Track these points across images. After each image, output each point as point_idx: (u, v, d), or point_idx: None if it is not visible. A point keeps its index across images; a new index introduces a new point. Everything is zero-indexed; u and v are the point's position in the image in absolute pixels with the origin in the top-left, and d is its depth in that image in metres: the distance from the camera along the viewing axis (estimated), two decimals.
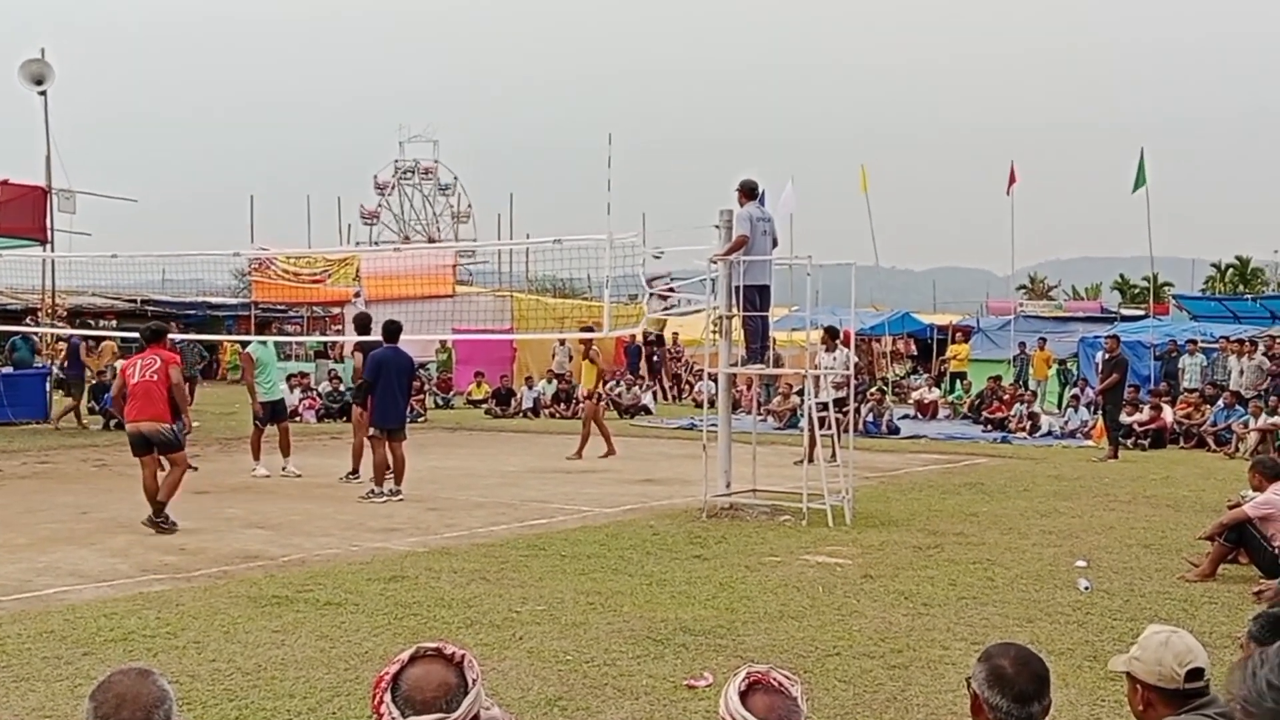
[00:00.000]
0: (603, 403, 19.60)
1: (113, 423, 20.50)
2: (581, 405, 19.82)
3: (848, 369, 16.24)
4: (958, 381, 30.30)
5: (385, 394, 13.22)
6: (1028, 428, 22.90)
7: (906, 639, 6.91)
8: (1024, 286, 64.31)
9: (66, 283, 27.32)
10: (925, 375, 32.64)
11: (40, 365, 24.66)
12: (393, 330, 13.54)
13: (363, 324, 14.57)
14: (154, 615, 7.23)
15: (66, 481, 14.50)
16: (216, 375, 37.72)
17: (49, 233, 22.99)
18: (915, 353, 37.49)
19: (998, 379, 26.73)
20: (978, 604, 7.91)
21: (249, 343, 16.56)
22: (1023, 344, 29.74)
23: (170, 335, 16.87)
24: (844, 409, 14.75)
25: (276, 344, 17.20)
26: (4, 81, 24.19)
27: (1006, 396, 25.27)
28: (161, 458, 11.02)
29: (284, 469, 15.03)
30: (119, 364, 16.38)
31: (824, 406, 13.65)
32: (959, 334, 33.96)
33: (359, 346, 14.96)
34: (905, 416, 25.84)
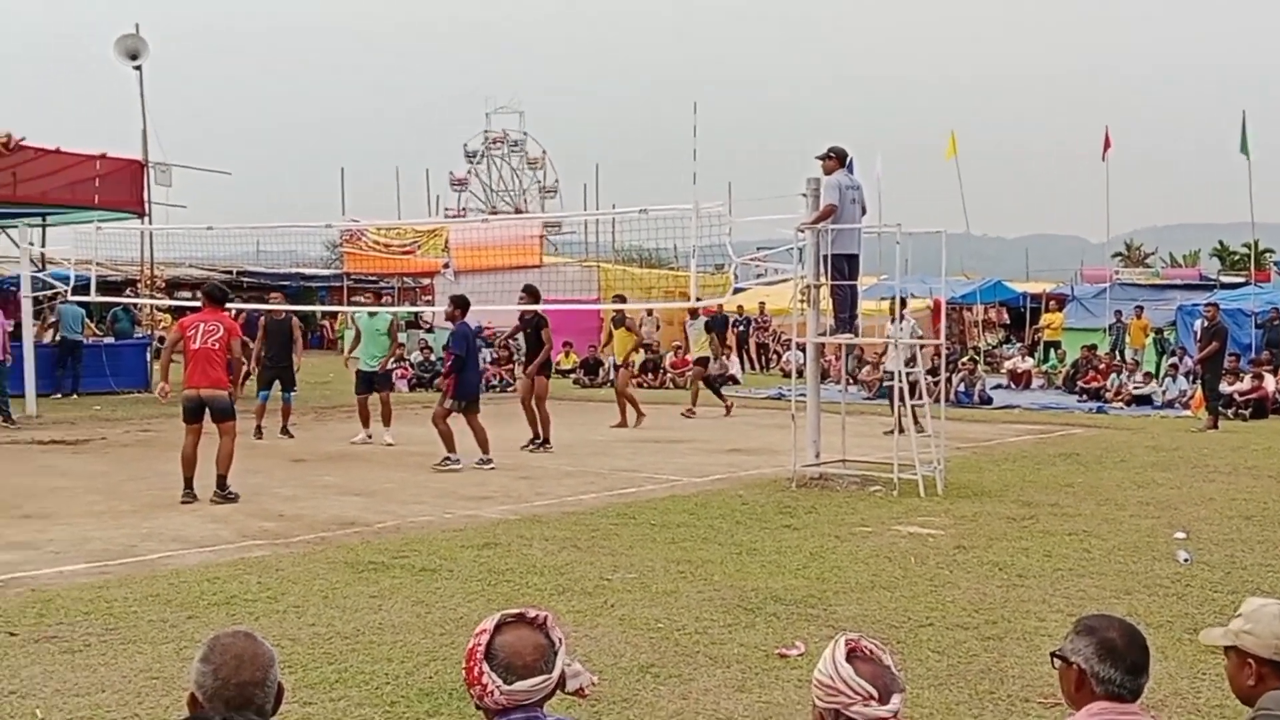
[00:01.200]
0: (633, 369, 19.58)
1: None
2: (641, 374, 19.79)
3: (913, 339, 16.16)
4: (1052, 351, 29.81)
5: (471, 368, 13.41)
6: (1128, 397, 22.46)
7: (1001, 610, 6.84)
8: (1119, 254, 62.89)
9: (164, 254, 27.96)
10: (1018, 344, 32.16)
11: (140, 335, 25.27)
12: (465, 303, 13.70)
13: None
14: (255, 580, 7.40)
15: (168, 449, 14.77)
16: (323, 344, 38.46)
17: (146, 205, 23.51)
18: (1008, 321, 36.94)
19: (1093, 348, 26.25)
20: (1074, 576, 7.80)
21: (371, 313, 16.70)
22: (1118, 312, 29.16)
23: (277, 305, 17.18)
24: (935, 378, 14.59)
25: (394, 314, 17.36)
26: (102, 58, 24.71)
27: (1102, 366, 24.82)
28: (217, 426, 10.89)
29: (383, 438, 15.25)
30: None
31: (892, 376, 13.92)
32: (1053, 302, 33.39)
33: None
34: (998, 386, 25.51)
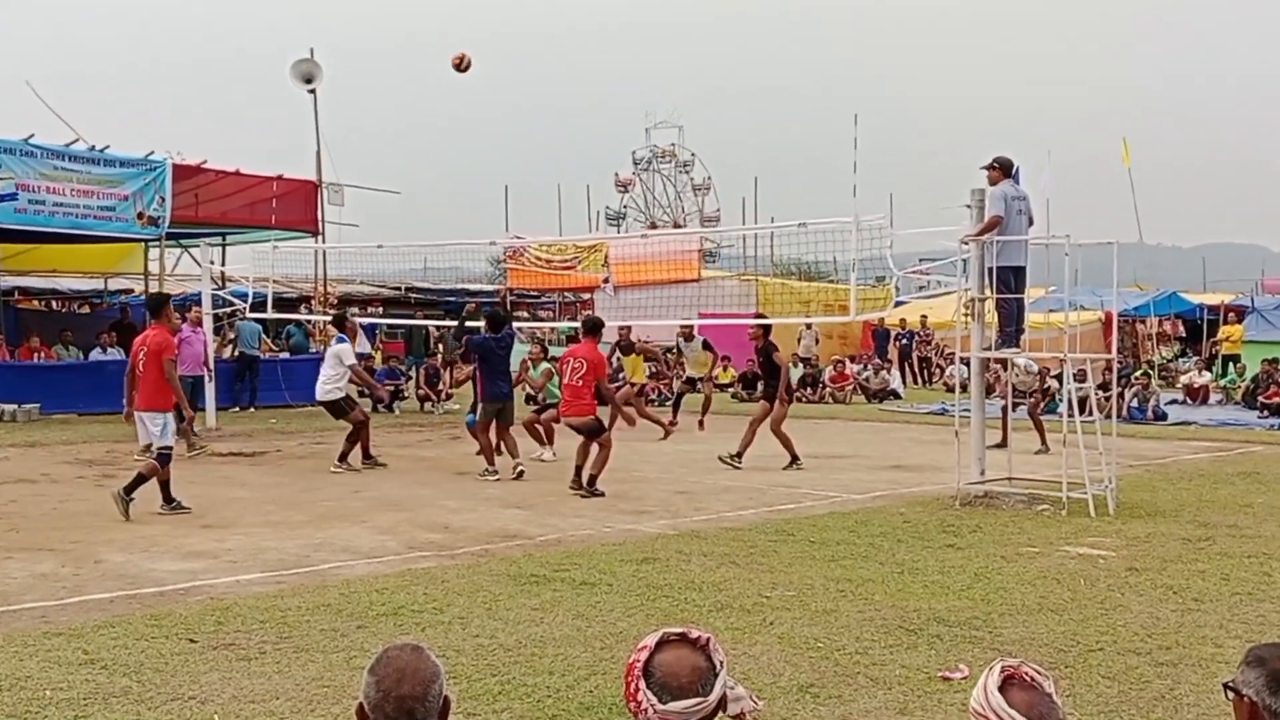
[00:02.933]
0: (632, 388, 19.12)
1: (381, 406, 21.58)
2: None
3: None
4: (1230, 365, 28.61)
5: (492, 377, 13.91)
6: None
7: (1175, 635, 6.59)
8: None
9: (336, 271, 28.89)
10: (1195, 358, 30.96)
11: (314, 350, 26.16)
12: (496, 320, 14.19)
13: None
14: (421, 591, 7.58)
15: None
16: None
17: (320, 224, 24.36)
18: (1183, 334, 35.59)
19: (1274, 362, 25.10)
20: (1253, 600, 7.47)
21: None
22: None
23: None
24: (1106, 394, 14.17)
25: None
26: (278, 82, 25.69)
27: None
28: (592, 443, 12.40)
29: (544, 455, 15.46)
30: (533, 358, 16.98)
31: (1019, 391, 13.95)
32: (1231, 314, 32.05)
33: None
34: (1173, 402, 24.64)
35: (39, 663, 5.92)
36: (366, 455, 14.59)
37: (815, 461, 15.20)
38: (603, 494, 12.06)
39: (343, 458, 14.33)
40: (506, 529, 10.14)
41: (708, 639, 2.79)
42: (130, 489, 10.71)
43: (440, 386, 24.64)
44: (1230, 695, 2.96)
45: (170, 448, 11.18)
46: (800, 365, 28.21)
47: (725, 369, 29.87)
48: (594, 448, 12.37)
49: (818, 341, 31.29)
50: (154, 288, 23.61)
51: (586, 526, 10.29)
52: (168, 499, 10.96)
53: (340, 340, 14.72)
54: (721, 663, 2.77)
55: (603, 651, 6.18)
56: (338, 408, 14.63)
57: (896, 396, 27.44)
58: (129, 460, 14.94)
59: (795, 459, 14.64)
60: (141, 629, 6.59)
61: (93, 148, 20.36)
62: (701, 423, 19.42)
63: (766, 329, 15.18)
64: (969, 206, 12.21)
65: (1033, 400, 16.85)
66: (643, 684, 2.70)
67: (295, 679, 5.72)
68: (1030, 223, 12.09)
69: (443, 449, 16.06)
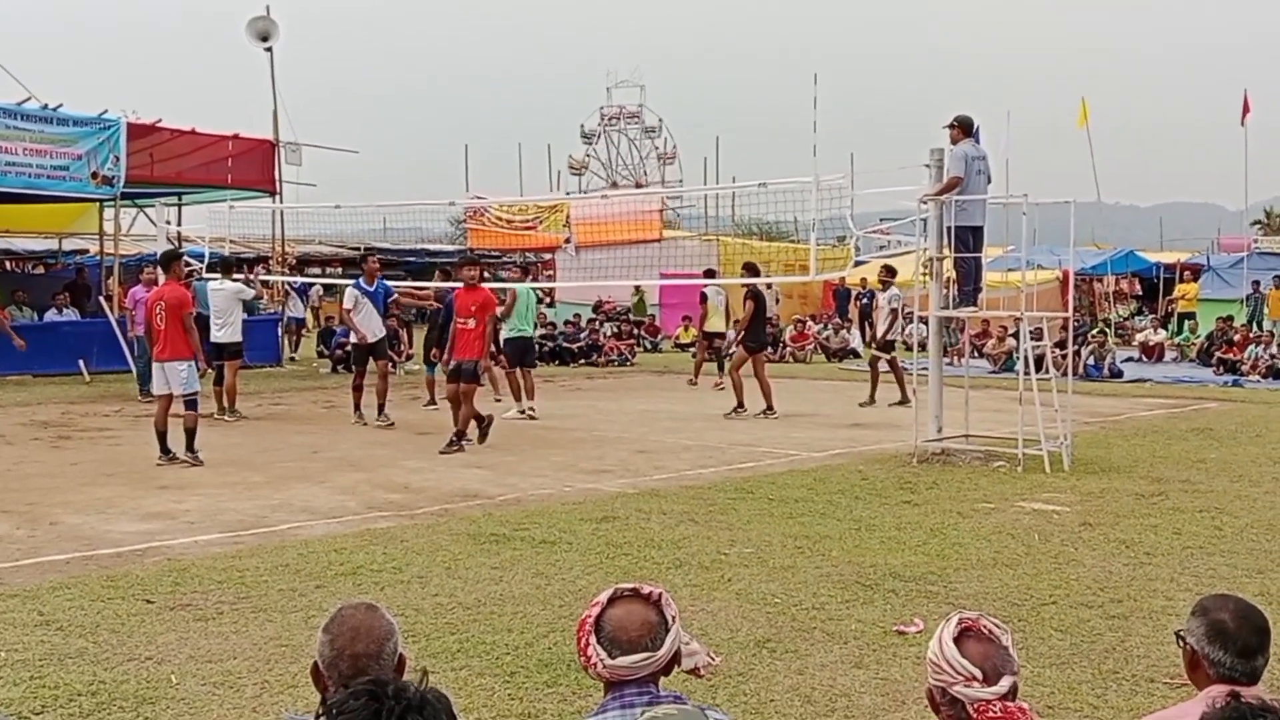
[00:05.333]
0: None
1: (340, 367, 21.50)
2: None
3: (894, 306, 17.28)
4: (1185, 323, 28.97)
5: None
6: (1265, 370, 21.72)
7: (1127, 589, 6.69)
8: (1259, 222, 60.58)
9: (294, 232, 28.61)
10: (1151, 316, 31.28)
11: (271, 312, 25.97)
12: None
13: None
14: (380, 550, 7.58)
15: (298, 422, 15.28)
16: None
17: (277, 184, 24.12)
18: (1140, 293, 35.97)
19: (1229, 319, 25.42)
20: (1204, 554, 7.59)
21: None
22: (1256, 282, 28.16)
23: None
24: (1062, 351, 14.31)
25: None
26: (235, 40, 25.31)
27: (1238, 338, 24.02)
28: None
29: (524, 410, 15.54)
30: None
31: (887, 347, 16.77)
32: (1187, 272, 32.43)
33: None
34: (1129, 359, 24.87)
35: None
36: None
37: (774, 421, 15.26)
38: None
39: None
40: (466, 489, 10.14)
41: (659, 594, 2.80)
42: (190, 446, 11.42)
43: (400, 347, 24.54)
44: (1180, 644, 3.04)
45: (197, 392, 11.81)
46: (903, 326, 28.23)
47: (687, 329, 29.91)
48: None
49: (778, 301, 31.33)
50: (109, 249, 23.37)
51: (546, 486, 10.30)
52: (190, 446, 11.46)
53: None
54: (673, 618, 2.79)
55: (561, 609, 6.20)
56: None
57: (856, 355, 27.55)
58: (84, 422, 14.83)
59: (769, 407, 15.43)
60: (98, 590, 6.56)
61: (45, 106, 20.04)
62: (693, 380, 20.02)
63: (755, 275, 16.42)
64: (928, 166, 12.22)
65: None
66: (593, 639, 2.72)
67: (253, 639, 5.72)
68: (989, 181, 12.14)
69: (404, 410, 16.00)
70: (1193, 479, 10.49)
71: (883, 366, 17.59)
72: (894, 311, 17.46)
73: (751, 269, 17.25)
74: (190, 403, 11.63)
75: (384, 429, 14.25)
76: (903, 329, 17.56)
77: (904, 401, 16.31)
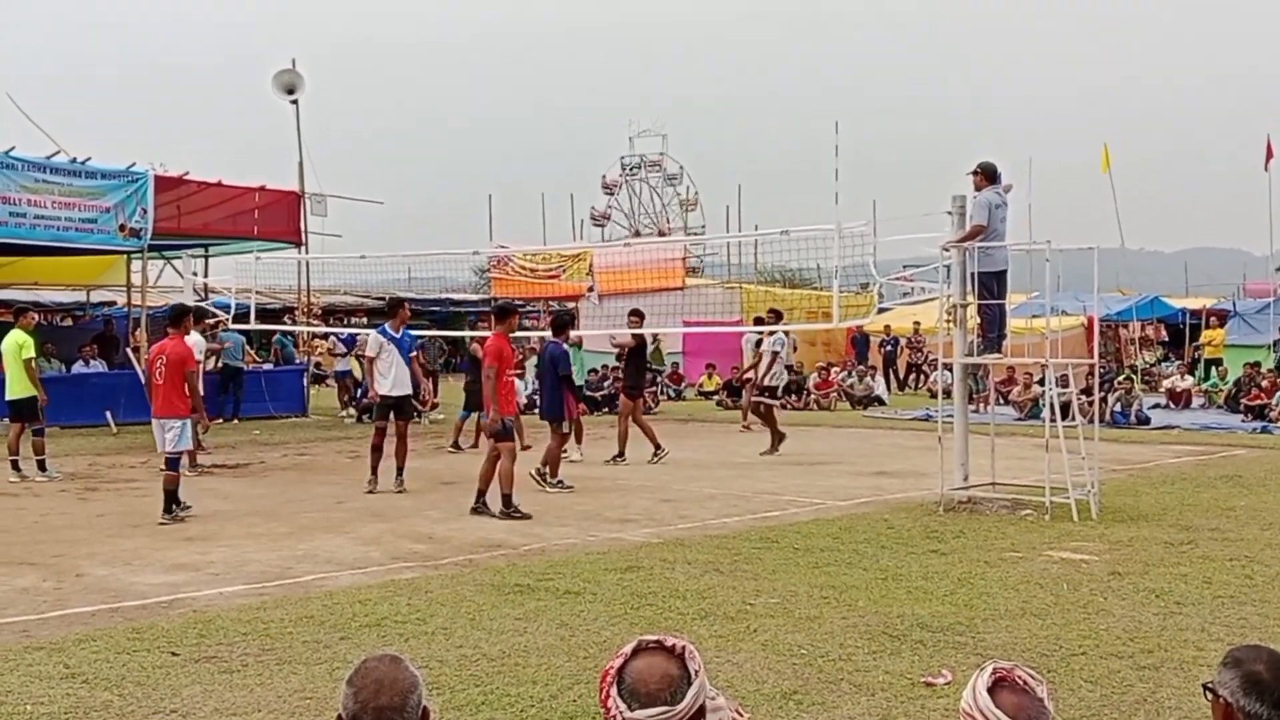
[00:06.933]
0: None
1: (365, 416, 21.55)
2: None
3: (775, 349, 17.46)
4: (1212, 368, 28.75)
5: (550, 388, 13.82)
6: None
7: (1158, 639, 6.61)
8: None
9: (320, 282, 28.84)
10: (1177, 362, 31.10)
11: (299, 362, 26.10)
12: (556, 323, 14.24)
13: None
14: (404, 602, 7.56)
15: (323, 473, 15.32)
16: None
17: (303, 235, 24.32)
18: (1166, 339, 35.75)
19: (1256, 365, 25.23)
20: (1235, 603, 7.50)
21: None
22: None
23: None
24: (1089, 398, 14.23)
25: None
26: (260, 93, 25.63)
27: (1266, 384, 23.84)
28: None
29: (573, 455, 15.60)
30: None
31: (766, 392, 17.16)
32: (1213, 318, 32.21)
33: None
34: (1156, 406, 24.71)
35: (20, 677, 5.89)
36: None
37: (799, 469, 15.22)
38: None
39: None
40: (490, 539, 10.12)
41: (684, 647, 2.78)
42: (168, 508, 11.12)
43: (424, 396, 24.61)
44: (1209, 696, 2.99)
45: (179, 454, 11.58)
46: (785, 373, 28.22)
47: (710, 376, 29.91)
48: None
49: (796, 348, 31.30)
50: (136, 300, 23.58)
51: (570, 536, 10.28)
52: (168, 508, 11.16)
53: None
54: (697, 671, 2.76)
55: (586, 660, 6.17)
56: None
57: (881, 403, 27.48)
58: (111, 473, 14.90)
59: (620, 454, 15.83)
60: (123, 642, 6.56)
61: (74, 160, 20.31)
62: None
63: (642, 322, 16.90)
64: (950, 213, 12.24)
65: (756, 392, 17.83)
66: (614, 690, 2.70)
67: (278, 691, 5.70)
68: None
69: (427, 459, 16.02)
70: (1222, 527, 10.38)
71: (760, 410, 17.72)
72: (774, 354, 17.46)
73: (776, 315, 17.39)
74: (172, 462, 11.35)
75: (397, 494, 13.89)
76: (781, 374, 17.91)
77: (773, 450, 16.79)
